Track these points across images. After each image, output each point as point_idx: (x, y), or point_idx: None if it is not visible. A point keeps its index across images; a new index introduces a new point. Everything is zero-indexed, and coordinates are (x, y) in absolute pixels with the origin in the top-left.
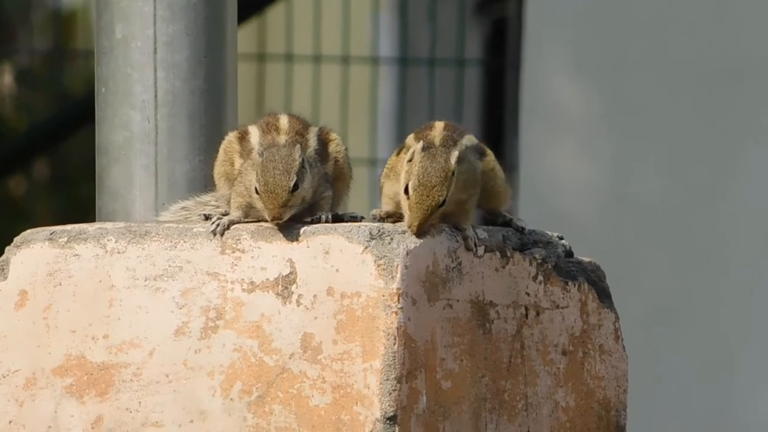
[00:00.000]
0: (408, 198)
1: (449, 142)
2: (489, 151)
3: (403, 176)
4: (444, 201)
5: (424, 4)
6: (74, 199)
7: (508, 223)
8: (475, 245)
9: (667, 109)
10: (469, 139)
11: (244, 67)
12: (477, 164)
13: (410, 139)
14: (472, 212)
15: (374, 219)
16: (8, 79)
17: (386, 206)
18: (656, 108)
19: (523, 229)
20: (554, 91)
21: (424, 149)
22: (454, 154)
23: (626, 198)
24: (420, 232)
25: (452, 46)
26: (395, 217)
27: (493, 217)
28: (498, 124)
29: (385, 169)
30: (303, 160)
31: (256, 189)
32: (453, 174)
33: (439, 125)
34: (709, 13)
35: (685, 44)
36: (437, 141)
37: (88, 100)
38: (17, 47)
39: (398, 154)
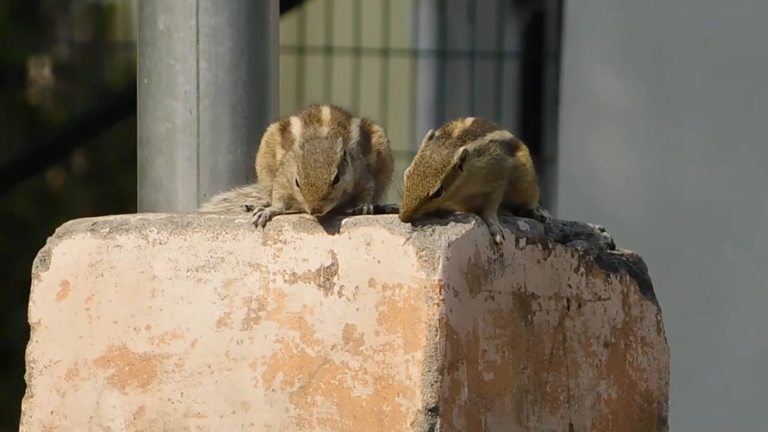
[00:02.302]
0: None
1: (468, 136)
2: (524, 147)
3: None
4: (438, 193)
5: None
6: (112, 191)
7: (529, 213)
8: (503, 238)
9: (709, 101)
10: (501, 134)
11: (283, 59)
12: (504, 158)
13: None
14: (497, 205)
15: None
16: (47, 71)
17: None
18: (698, 99)
19: (543, 218)
20: (594, 82)
21: (430, 138)
22: (459, 150)
23: (668, 190)
24: (408, 220)
25: (491, 38)
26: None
27: (516, 208)
28: (537, 117)
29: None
30: (344, 152)
31: (297, 181)
32: (455, 168)
33: (468, 120)
34: (752, 2)
35: (727, 34)
36: (455, 133)
37: (126, 91)
38: (56, 39)
39: None
